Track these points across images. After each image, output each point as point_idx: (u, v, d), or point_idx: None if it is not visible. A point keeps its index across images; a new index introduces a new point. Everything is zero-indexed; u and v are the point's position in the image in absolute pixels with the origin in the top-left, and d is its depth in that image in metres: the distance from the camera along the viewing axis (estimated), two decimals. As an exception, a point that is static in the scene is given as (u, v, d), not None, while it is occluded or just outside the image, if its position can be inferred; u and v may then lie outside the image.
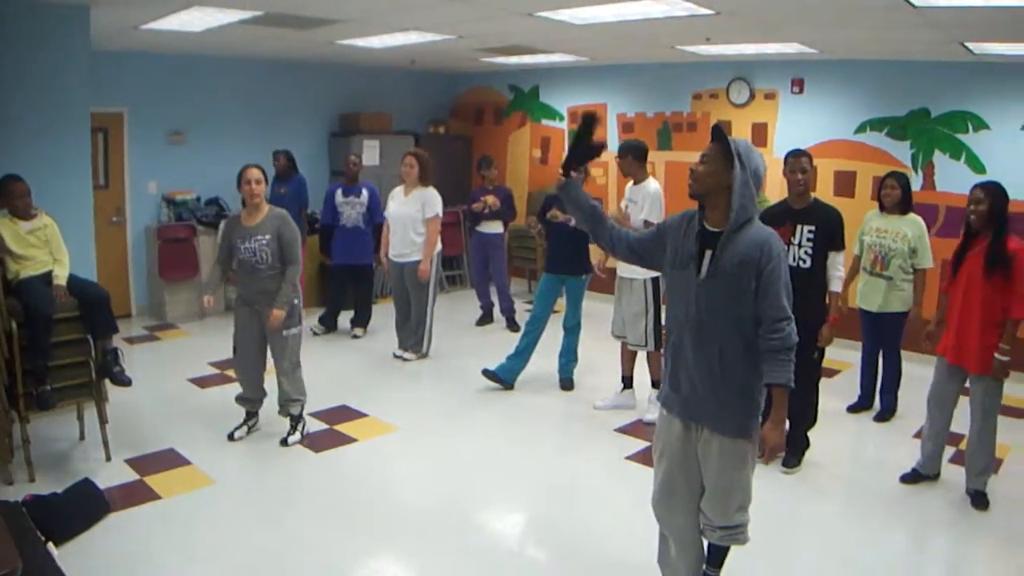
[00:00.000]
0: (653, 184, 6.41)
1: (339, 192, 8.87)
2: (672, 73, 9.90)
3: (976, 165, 7.85)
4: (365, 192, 8.79)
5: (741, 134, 9.35)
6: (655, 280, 6.33)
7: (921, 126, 8.16)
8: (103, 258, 7.70)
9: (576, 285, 7.18)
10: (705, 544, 3.83)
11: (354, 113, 11.10)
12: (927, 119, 8.12)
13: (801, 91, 8.92)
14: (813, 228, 5.41)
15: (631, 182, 6.49)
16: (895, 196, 6.36)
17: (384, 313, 9.09)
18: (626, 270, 6.46)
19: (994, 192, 5.04)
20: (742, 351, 3.43)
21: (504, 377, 7.27)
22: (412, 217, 7.83)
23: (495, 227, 9.45)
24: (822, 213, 5.48)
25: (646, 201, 6.30)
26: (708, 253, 3.45)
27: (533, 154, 11.60)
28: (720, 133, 3.43)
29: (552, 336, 7.25)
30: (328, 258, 9.13)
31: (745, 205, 3.36)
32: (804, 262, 5.40)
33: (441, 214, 7.94)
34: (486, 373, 7.29)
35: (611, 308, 6.72)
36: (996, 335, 5.00)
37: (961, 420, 5.41)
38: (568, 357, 7.34)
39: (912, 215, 6.40)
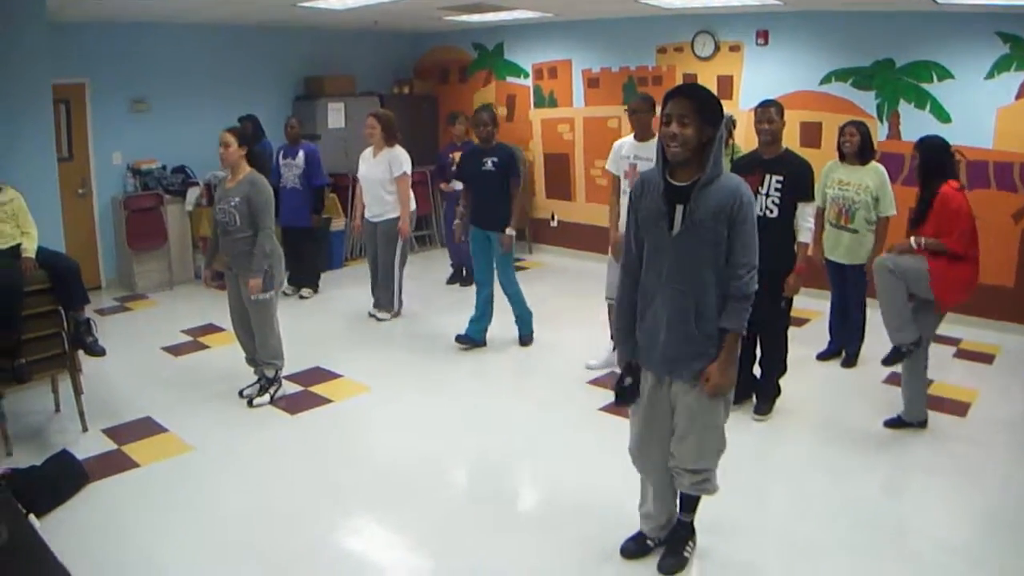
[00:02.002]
0: None
1: (280, 154, 8.90)
2: (636, 27, 9.87)
3: (941, 114, 7.91)
4: (301, 153, 8.76)
5: (706, 87, 9.35)
6: None
7: (886, 76, 8.20)
8: (71, 230, 7.62)
9: (497, 243, 7.04)
10: (677, 493, 3.93)
11: (318, 76, 11.01)
12: (892, 69, 8.15)
13: (766, 43, 8.92)
14: (781, 178, 5.44)
15: (630, 138, 6.35)
16: (854, 144, 6.37)
17: (353, 275, 9.10)
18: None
19: (924, 146, 5.26)
20: (717, 302, 3.49)
21: (475, 337, 7.31)
22: (381, 178, 7.83)
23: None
24: (792, 164, 5.51)
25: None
26: (679, 208, 3.47)
27: (499, 112, 11.54)
28: (693, 89, 3.46)
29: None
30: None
31: (719, 159, 3.41)
32: (771, 211, 5.44)
33: (409, 171, 7.91)
34: (459, 339, 7.33)
35: (571, 263, 6.71)
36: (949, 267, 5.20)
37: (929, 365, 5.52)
38: (522, 317, 7.36)
39: (873, 164, 6.42)
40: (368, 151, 8.03)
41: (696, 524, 4.07)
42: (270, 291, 5.89)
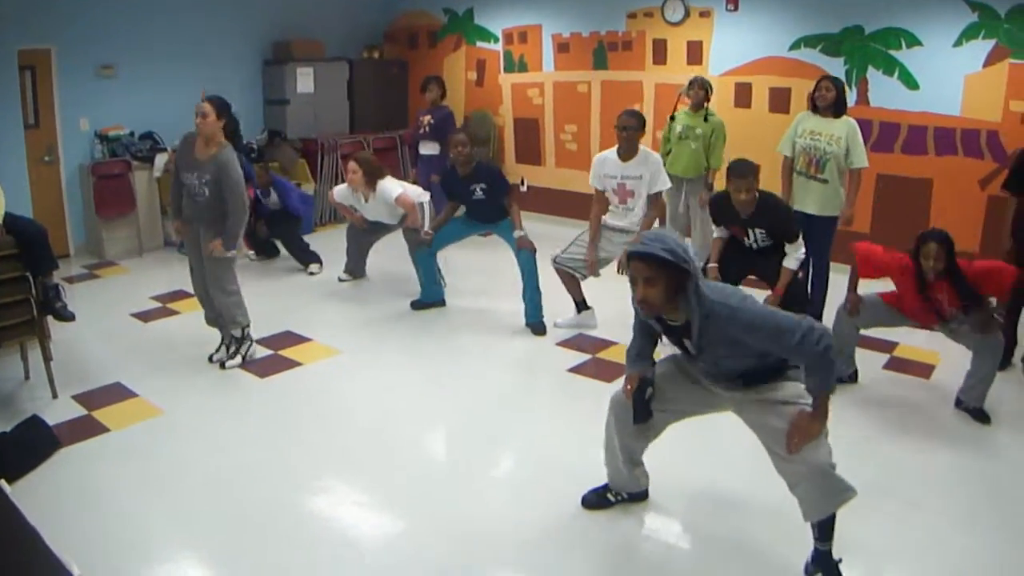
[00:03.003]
0: (653, 153, 6.42)
1: (258, 194, 8.73)
2: (607, -8, 9.88)
3: (909, 81, 7.97)
4: (274, 194, 8.75)
5: (677, 52, 9.40)
6: None
7: (855, 43, 8.24)
8: (38, 198, 7.60)
9: (507, 226, 6.97)
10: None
11: (287, 41, 10.88)
12: (861, 36, 8.19)
13: (736, 8, 8.92)
14: (764, 230, 5.70)
15: (612, 154, 6.39)
16: (829, 98, 6.29)
17: (323, 240, 9.09)
18: (622, 220, 6.50)
19: (948, 246, 4.98)
20: (765, 366, 3.54)
21: (434, 298, 7.39)
22: (385, 213, 7.62)
23: (432, 148, 9.33)
24: (770, 215, 5.66)
25: (657, 172, 6.30)
26: (687, 342, 3.48)
27: (468, 77, 11.50)
28: (648, 251, 3.26)
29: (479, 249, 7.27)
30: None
31: (700, 299, 3.30)
32: (766, 242, 5.74)
33: (402, 189, 7.49)
34: (415, 305, 7.39)
35: (541, 227, 6.72)
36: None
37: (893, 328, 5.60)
38: (534, 300, 7.01)
39: (845, 117, 6.37)
40: (355, 197, 7.70)
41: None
42: (232, 250, 5.86)
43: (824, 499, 3.45)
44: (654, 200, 6.37)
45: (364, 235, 8.14)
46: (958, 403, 5.39)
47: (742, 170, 5.53)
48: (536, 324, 6.86)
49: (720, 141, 7.62)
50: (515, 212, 6.90)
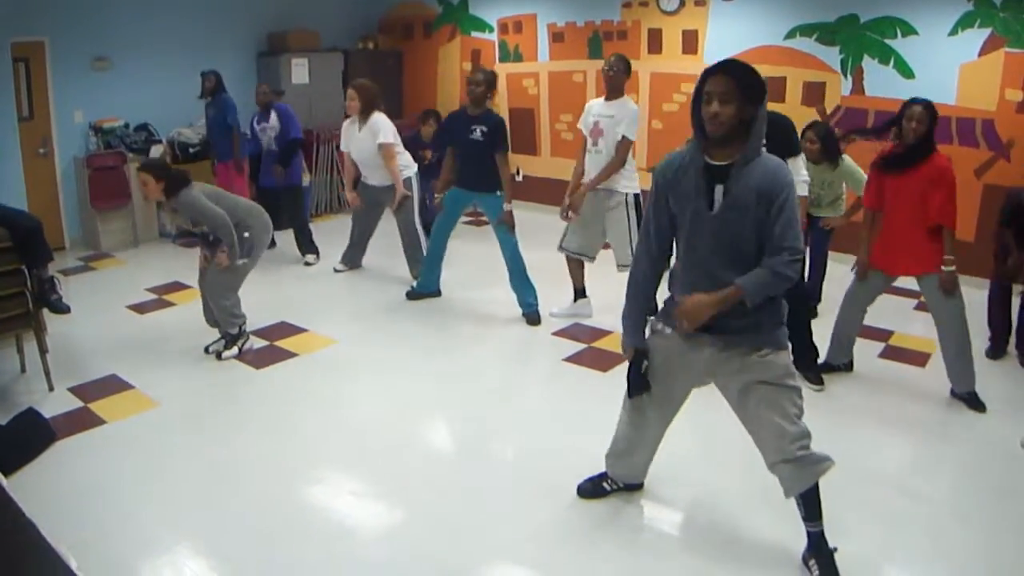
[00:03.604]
0: (632, 102, 6.40)
1: (254, 120, 8.83)
2: (602, -19, 9.87)
3: (905, 70, 7.96)
4: (274, 114, 8.68)
5: (672, 42, 9.39)
6: (636, 196, 6.38)
7: (850, 31, 8.23)
8: (33, 190, 7.59)
9: (494, 203, 6.83)
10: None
11: (282, 32, 10.89)
12: (856, 25, 8.18)
13: (731, -3, 8.93)
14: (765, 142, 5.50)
15: (601, 99, 6.43)
16: (814, 151, 6.25)
17: (319, 231, 9.09)
18: (592, 169, 6.44)
19: (932, 112, 5.08)
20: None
21: (430, 289, 7.39)
22: (369, 151, 7.58)
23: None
24: (773, 124, 5.53)
25: (627, 116, 6.25)
26: (719, 188, 3.38)
27: (463, 67, 11.48)
28: (734, 66, 3.31)
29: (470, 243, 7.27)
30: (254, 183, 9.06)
31: (760, 138, 3.34)
32: None
33: (392, 140, 7.53)
34: (410, 295, 7.40)
35: (537, 216, 6.73)
36: (930, 239, 5.17)
37: (888, 317, 5.59)
38: (524, 291, 6.98)
39: (841, 166, 6.36)
40: (351, 125, 7.75)
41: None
42: (245, 258, 5.97)
43: (802, 471, 3.46)
44: (619, 146, 6.26)
45: (366, 217, 8.14)
46: (952, 393, 5.40)
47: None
48: (531, 314, 6.85)
49: None
50: (506, 179, 6.74)
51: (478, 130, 6.65)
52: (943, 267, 5.14)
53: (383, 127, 7.47)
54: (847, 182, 6.43)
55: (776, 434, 3.46)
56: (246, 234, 5.94)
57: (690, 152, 3.47)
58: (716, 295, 3.38)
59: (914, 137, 5.06)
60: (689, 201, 3.44)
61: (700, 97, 3.36)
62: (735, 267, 3.38)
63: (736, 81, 3.26)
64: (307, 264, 8.69)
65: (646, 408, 3.86)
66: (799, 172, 5.52)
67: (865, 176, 5.80)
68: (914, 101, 5.12)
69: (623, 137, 6.24)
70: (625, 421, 4.00)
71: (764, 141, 5.09)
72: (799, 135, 6.17)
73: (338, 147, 9.56)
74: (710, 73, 3.32)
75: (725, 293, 3.36)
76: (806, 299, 5.90)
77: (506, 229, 6.75)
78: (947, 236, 5.14)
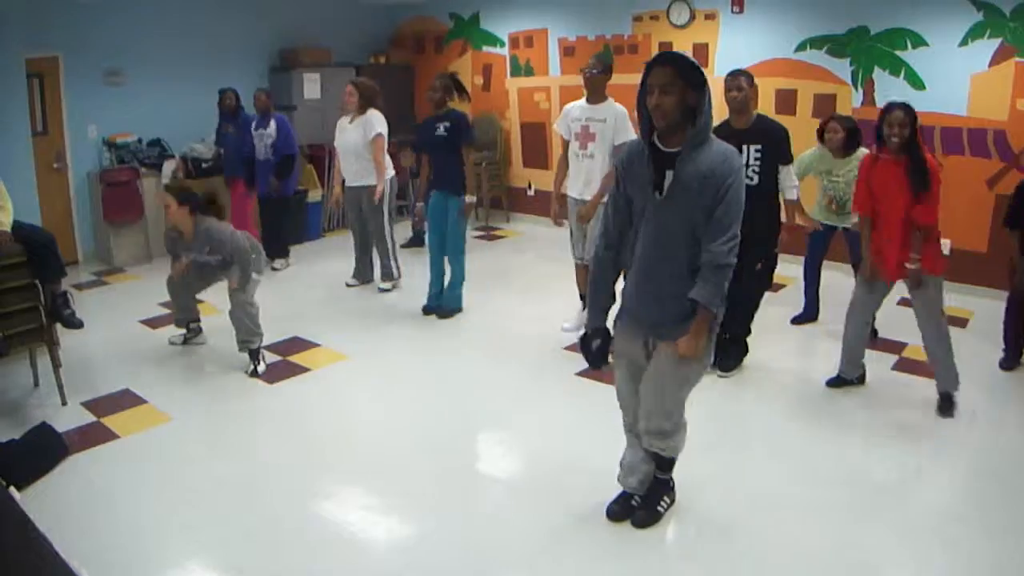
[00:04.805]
0: (617, 104, 6.34)
1: (253, 124, 8.92)
2: (613, -5, 9.89)
3: (915, 81, 7.94)
4: (273, 123, 8.79)
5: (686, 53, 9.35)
6: None
7: (861, 43, 8.22)
8: (47, 205, 7.62)
9: (456, 205, 7.14)
10: None
11: (294, 48, 10.94)
12: (867, 36, 8.17)
13: (741, 10, 8.92)
14: (760, 147, 5.49)
15: (582, 101, 6.42)
16: (837, 140, 6.25)
17: (331, 245, 9.10)
18: (578, 191, 6.48)
19: (914, 114, 5.02)
20: (688, 262, 3.55)
21: (455, 305, 7.39)
22: (357, 143, 7.79)
23: None
24: (767, 131, 5.55)
25: (617, 120, 6.25)
26: (669, 173, 3.48)
27: (475, 81, 11.52)
28: (673, 57, 3.42)
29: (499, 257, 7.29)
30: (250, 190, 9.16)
31: (707, 123, 3.43)
32: (751, 180, 5.46)
33: (385, 133, 7.82)
34: (427, 311, 7.42)
35: (549, 231, 6.75)
36: (921, 247, 5.14)
37: (903, 329, 5.57)
38: (453, 286, 7.40)
39: (857, 153, 6.30)
40: (344, 120, 7.99)
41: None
42: (258, 275, 6.13)
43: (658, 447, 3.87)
44: (616, 151, 6.21)
45: (357, 223, 8.25)
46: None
47: (736, 71, 5.62)
48: (450, 310, 7.32)
49: None
50: (469, 171, 7.15)
51: (441, 127, 7.00)
52: (908, 264, 5.14)
53: (378, 120, 7.77)
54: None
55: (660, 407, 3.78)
56: (254, 256, 6.10)
57: (641, 143, 3.60)
58: (696, 328, 3.56)
59: (898, 143, 5.00)
60: (639, 187, 3.58)
61: (644, 89, 3.48)
62: (670, 263, 3.56)
63: (677, 71, 3.38)
64: (273, 269, 8.90)
65: (632, 408, 3.97)
66: (790, 178, 5.62)
67: None
68: (892, 105, 5.07)
69: (622, 143, 6.21)
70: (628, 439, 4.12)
71: (759, 147, 5.13)
72: (819, 130, 6.35)
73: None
74: (651, 65, 3.44)
75: (700, 321, 3.55)
76: (761, 286, 5.93)
77: (463, 218, 7.11)
78: (921, 235, 5.11)
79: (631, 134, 6.21)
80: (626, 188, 3.67)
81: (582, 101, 6.42)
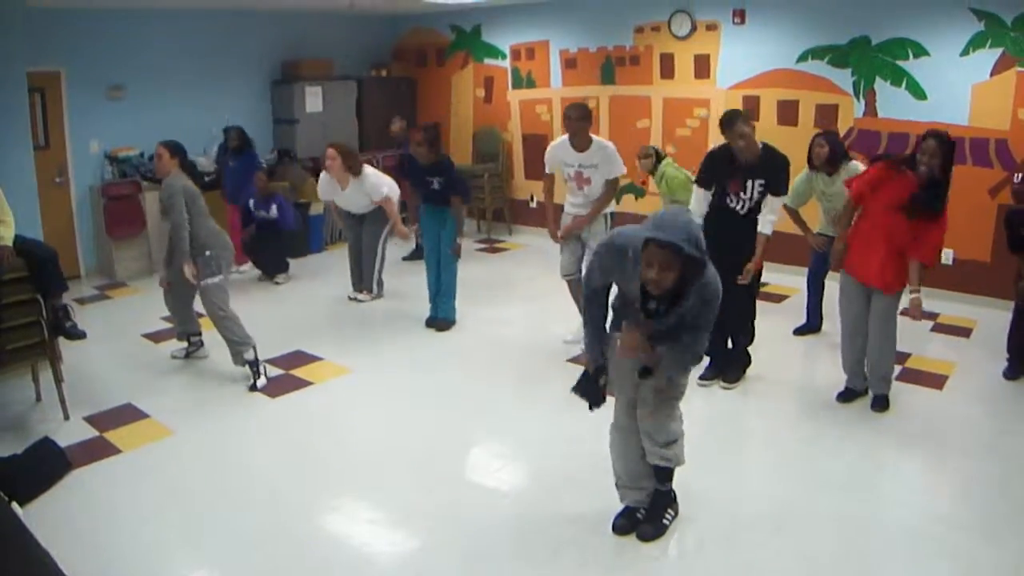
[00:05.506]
0: (604, 142, 6.46)
1: (251, 202, 9.06)
2: (614, 7, 9.89)
3: (917, 91, 7.94)
4: (274, 207, 8.98)
5: (684, 67, 9.41)
6: (613, 215, 6.55)
7: (862, 54, 8.22)
8: (49, 219, 7.61)
9: (452, 229, 7.26)
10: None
11: (295, 60, 10.96)
12: (868, 47, 8.17)
13: (743, 21, 8.93)
14: (764, 181, 5.51)
15: (565, 141, 6.46)
16: (823, 155, 6.33)
17: (333, 259, 9.10)
18: (578, 207, 6.53)
19: (949, 146, 5.04)
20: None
21: (449, 317, 7.42)
22: (360, 203, 7.89)
23: None
24: (771, 166, 5.54)
25: (606, 160, 6.36)
26: (652, 303, 3.59)
27: (477, 94, 11.54)
28: (670, 240, 3.31)
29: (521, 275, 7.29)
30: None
31: (706, 284, 3.53)
32: (742, 210, 5.59)
33: (391, 192, 7.86)
34: (430, 324, 7.44)
35: (551, 243, 6.80)
36: (896, 265, 5.20)
37: (906, 339, 5.57)
38: (448, 298, 7.45)
39: (849, 166, 6.37)
40: (330, 182, 7.90)
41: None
42: (218, 275, 6.08)
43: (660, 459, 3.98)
44: (612, 184, 6.48)
45: (354, 239, 8.29)
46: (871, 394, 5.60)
47: (732, 118, 5.51)
48: (445, 321, 7.37)
49: (677, 188, 7.57)
50: (459, 222, 7.31)
51: (435, 182, 7.08)
52: (911, 294, 5.21)
53: (379, 183, 7.80)
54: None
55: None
56: (208, 252, 6.04)
57: (633, 264, 3.59)
58: (646, 344, 3.71)
59: (926, 172, 5.00)
60: (628, 288, 3.71)
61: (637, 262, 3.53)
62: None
63: (668, 252, 3.33)
64: (276, 283, 9.05)
65: (624, 427, 4.09)
66: (772, 210, 5.59)
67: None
68: (929, 133, 5.08)
69: (614, 177, 6.46)
70: (616, 455, 4.19)
71: (763, 181, 5.21)
72: (808, 156, 6.39)
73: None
74: (647, 243, 3.40)
75: (659, 372, 3.79)
76: (751, 292, 5.91)
77: (455, 258, 7.23)
78: (919, 269, 5.18)
79: (620, 167, 6.46)
80: (613, 275, 3.79)
81: (567, 144, 6.45)
